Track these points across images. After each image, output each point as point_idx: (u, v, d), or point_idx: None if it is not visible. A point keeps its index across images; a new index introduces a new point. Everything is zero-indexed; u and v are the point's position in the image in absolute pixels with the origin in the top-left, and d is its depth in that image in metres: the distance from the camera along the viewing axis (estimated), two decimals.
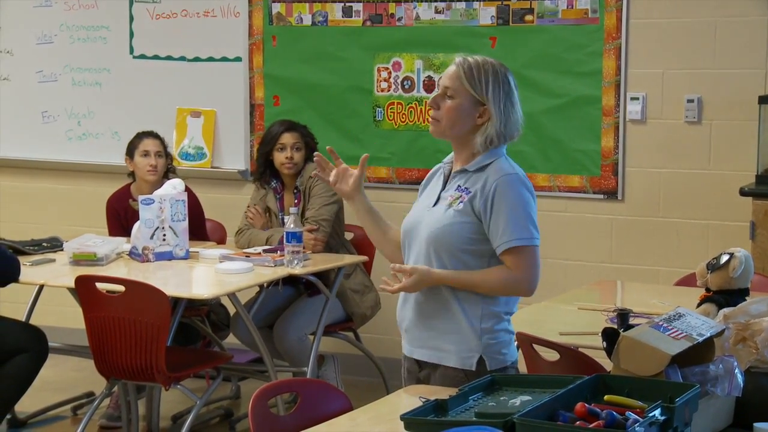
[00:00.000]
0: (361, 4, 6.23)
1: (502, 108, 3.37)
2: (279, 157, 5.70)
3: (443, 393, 2.88)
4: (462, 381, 3.25)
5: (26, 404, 5.56)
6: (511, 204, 3.31)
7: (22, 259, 5.21)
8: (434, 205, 3.42)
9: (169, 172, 5.92)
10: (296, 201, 5.71)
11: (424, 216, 3.43)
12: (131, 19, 6.77)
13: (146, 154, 5.85)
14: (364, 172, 3.52)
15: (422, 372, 3.47)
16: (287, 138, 5.70)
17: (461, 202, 3.36)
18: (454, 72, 3.38)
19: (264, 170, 5.77)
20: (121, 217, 5.89)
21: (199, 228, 5.85)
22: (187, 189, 5.55)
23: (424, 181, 3.59)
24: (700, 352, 2.94)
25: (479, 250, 3.35)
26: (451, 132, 3.41)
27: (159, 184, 5.73)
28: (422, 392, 3.12)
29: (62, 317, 6.46)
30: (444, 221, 3.36)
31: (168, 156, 5.95)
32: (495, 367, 3.37)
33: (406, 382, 3.50)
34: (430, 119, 3.43)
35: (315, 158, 3.58)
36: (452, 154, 3.52)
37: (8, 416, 5.52)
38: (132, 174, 5.95)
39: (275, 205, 5.75)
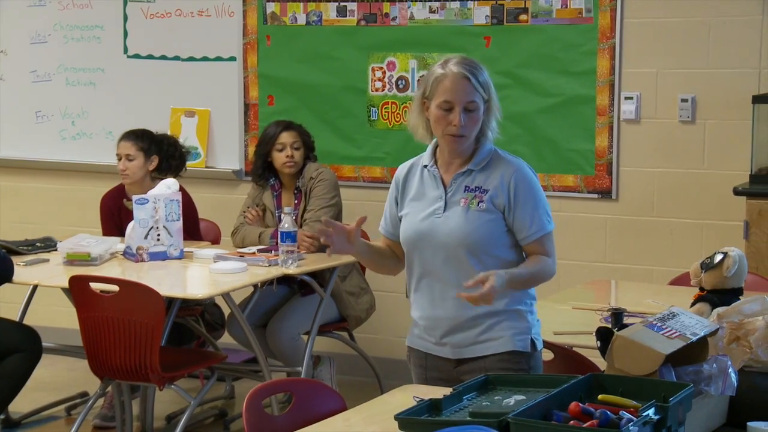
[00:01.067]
0: (356, 3, 6.22)
1: (496, 98, 3.47)
2: (279, 157, 5.67)
3: (438, 393, 2.88)
4: (519, 362, 3.38)
5: (20, 404, 5.54)
6: (533, 194, 3.43)
7: (15, 260, 5.20)
8: (444, 210, 3.43)
9: (161, 169, 5.82)
10: (296, 201, 5.69)
11: (437, 223, 3.43)
12: (125, 18, 6.76)
13: (119, 157, 5.82)
14: (359, 228, 3.45)
15: (460, 367, 3.48)
16: (286, 137, 5.68)
17: (480, 201, 3.41)
18: (470, 85, 3.39)
19: (262, 172, 5.74)
20: (115, 215, 5.87)
21: (193, 228, 5.84)
22: (180, 189, 5.53)
23: (398, 186, 3.56)
24: (694, 352, 2.94)
25: (509, 242, 3.44)
26: (472, 139, 3.45)
27: (143, 183, 5.68)
28: (416, 392, 3.12)
29: (56, 317, 6.44)
30: (472, 223, 3.39)
31: (154, 153, 5.77)
32: (540, 348, 3.51)
33: (431, 382, 3.48)
34: (450, 137, 3.41)
35: (324, 223, 3.49)
36: (425, 155, 3.52)
37: (2, 416, 5.52)
38: None
39: (272, 202, 5.73)
